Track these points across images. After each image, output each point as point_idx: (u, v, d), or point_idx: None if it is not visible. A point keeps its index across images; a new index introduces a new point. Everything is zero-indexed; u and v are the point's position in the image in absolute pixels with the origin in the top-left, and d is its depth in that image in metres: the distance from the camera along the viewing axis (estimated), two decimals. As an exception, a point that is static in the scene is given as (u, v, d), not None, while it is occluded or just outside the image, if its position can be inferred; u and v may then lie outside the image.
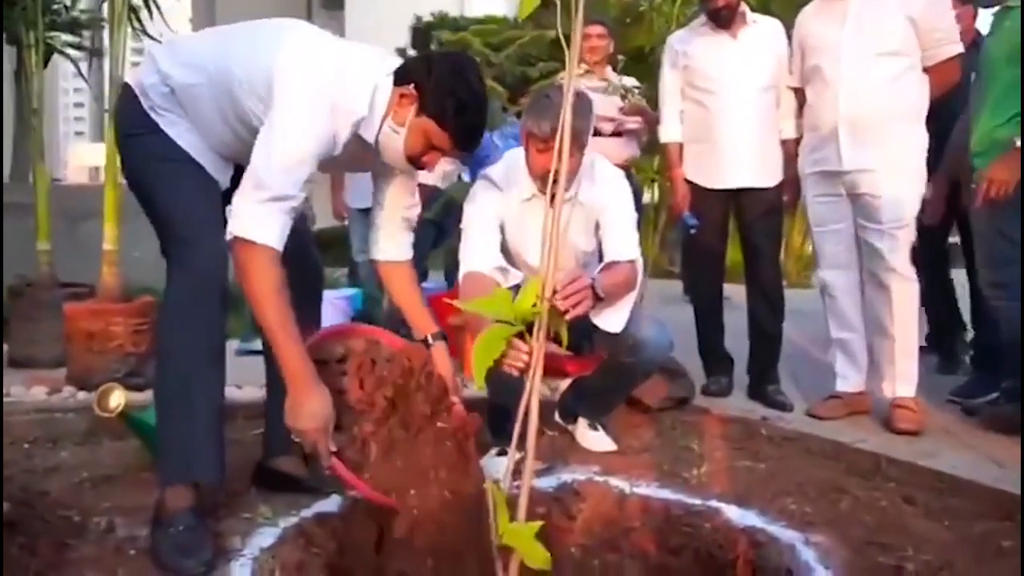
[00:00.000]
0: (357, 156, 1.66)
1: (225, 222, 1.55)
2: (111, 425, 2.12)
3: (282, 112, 1.49)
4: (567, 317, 1.76)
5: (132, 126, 1.64)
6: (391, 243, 1.86)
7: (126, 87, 1.66)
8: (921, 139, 2.54)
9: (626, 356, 2.12)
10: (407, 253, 1.88)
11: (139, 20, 3.24)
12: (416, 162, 1.63)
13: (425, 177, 3.74)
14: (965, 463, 2.15)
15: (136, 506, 1.74)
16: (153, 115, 1.62)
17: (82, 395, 2.69)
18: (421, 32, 13.21)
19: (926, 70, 2.53)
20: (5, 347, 3.27)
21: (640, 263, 2.13)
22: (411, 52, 5.66)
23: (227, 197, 1.71)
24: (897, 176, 2.49)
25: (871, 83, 2.50)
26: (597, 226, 2.14)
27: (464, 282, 2.03)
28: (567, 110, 1.08)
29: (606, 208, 2.10)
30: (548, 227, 1.09)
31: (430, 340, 1.77)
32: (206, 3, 12.27)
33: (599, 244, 2.16)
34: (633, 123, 3.44)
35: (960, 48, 2.51)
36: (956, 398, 2.85)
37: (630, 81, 3.65)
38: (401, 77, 1.58)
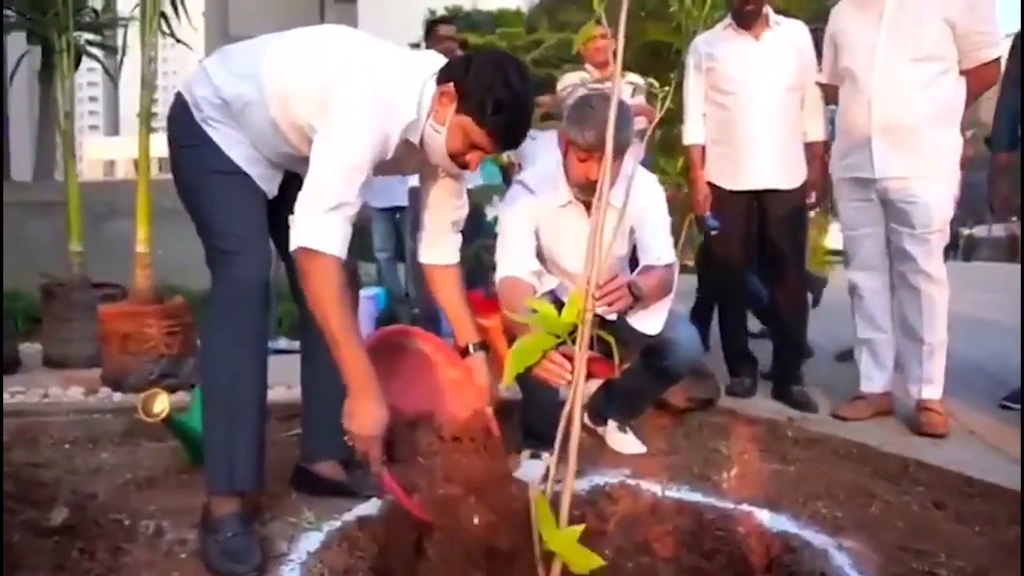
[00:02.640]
0: (403, 158, 1.67)
1: (282, 232, 1.58)
2: (149, 426, 2.17)
3: (338, 121, 1.51)
4: (603, 315, 1.79)
5: (184, 137, 1.67)
6: (437, 246, 1.86)
7: (178, 97, 1.69)
8: (955, 142, 2.53)
9: (657, 359, 2.15)
10: (453, 257, 1.87)
11: (167, 23, 3.27)
12: (459, 161, 1.62)
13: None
14: (993, 467, 2.16)
15: (181, 508, 1.79)
16: (205, 127, 1.65)
17: (118, 396, 2.75)
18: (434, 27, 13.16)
19: (963, 72, 2.50)
20: (39, 346, 3.35)
21: (677, 267, 2.16)
22: (424, 47, 5.73)
23: (274, 204, 1.75)
24: (930, 181, 2.49)
25: (905, 90, 2.48)
26: (631, 230, 2.16)
27: (501, 287, 2.05)
28: (611, 121, 1.10)
29: (642, 213, 2.11)
30: (591, 237, 1.11)
31: (470, 350, 1.80)
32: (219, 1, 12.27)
33: (632, 248, 2.19)
34: (639, 123, 3.43)
35: (1000, 51, 2.48)
36: (1009, 403, 2.84)
37: (639, 78, 3.68)
38: (443, 76, 1.58)
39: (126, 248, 3.05)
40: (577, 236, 2.04)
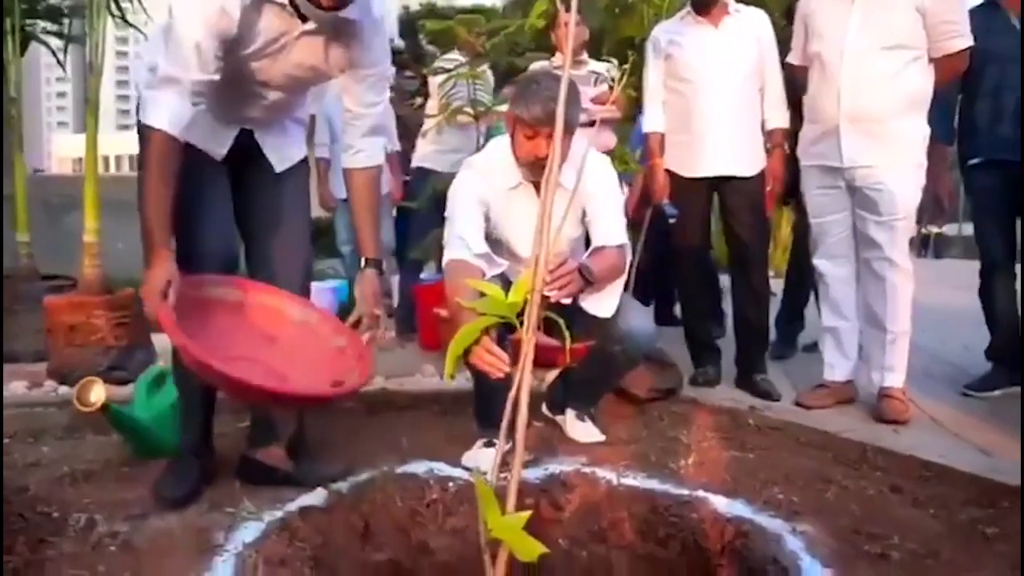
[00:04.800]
0: (308, 47, 1.66)
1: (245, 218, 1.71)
2: (94, 419, 2.10)
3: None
4: (553, 299, 1.76)
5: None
6: (356, 149, 1.86)
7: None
8: (922, 131, 2.52)
9: (612, 345, 2.11)
10: (372, 160, 1.87)
11: (119, 8, 3.17)
12: None
13: (422, 160, 3.74)
14: (951, 451, 2.15)
15: (116, 501, 1.73)
16: None
17: (63, 389, 2.66)
18: (410, 23, 13.14)
19: (931, 60, 2.49)
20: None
21: (628, 249, 2.12)
22: (399, 42, 5.65)
23: (240, 195, 1.84)
24: (897, 169, 2.48)
25: (874, 79, 2.46)
26: (584, 212, 2.12)
27: (448, 270, 2.01)
28: (561, 101, 1.07)
29: (594, 195, 2.08)
30: (540, 217, 1.07)
31: (361, 264, 1.84)
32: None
33: (586, 230, 2.15)
34: (606, 112, 3.39)
35: (970, 41, 2.46)
36: (971, 391, 2.84)
37: (602, 66, 3.64)
38: None
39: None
40: (527, 218, 2.00)
